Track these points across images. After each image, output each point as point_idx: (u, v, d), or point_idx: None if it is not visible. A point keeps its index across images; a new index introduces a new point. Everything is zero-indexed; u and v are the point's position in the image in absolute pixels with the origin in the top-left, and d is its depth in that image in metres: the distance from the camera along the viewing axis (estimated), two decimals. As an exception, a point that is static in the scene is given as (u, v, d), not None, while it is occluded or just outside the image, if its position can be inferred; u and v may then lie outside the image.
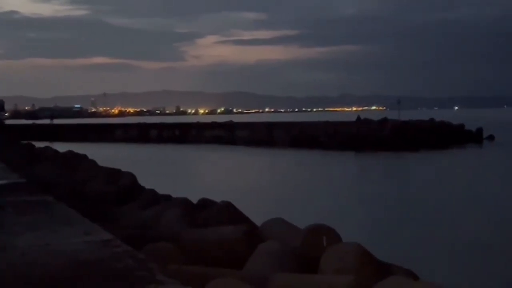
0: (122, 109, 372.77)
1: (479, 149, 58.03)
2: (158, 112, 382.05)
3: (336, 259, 7.61)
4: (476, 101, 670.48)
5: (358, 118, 64.80)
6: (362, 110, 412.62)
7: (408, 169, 39.94)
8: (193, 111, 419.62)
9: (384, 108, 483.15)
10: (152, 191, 15.10)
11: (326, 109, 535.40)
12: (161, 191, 15.24)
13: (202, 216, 11.43)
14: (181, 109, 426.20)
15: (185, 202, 12.56)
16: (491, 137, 67.99)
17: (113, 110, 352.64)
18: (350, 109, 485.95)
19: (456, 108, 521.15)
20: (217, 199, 12.50)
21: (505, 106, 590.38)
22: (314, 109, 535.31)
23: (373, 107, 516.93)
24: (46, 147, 32.48)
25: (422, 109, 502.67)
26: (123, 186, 16.23)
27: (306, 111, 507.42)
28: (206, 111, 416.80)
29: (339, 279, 6.87)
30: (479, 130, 68.05)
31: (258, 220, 11.35)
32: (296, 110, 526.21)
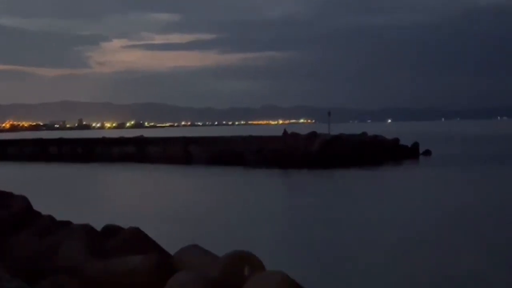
0: (15, 123, 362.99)
1: (415, 165, 59.81)
2: (57, 126, 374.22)
3: (258, 290, 7.67)
4: (411, 114, 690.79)
5: (285, 132, 65.60)
6: (289, 123, 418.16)
7: (338, 188, 40.67)
8: (98, 125, 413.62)
9: (313, 121, 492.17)
10: (49, 217, 14.72)
11: (249, 122, 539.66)
12: (59, 217, 14.89)
13: (108, 244, 11.27)
14: (84, 123, 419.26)
15: (87, 229, 12.33)
16: (427, 152, 70.25)
17: (4, 124, 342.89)
18: (276, 122, 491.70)
19: (389, 121, 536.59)
20: (125, 225, 12.35)
21: (442, 119, 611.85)
22: (236, 122, 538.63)
23: (301, 120, 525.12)
24: None
25: (354, 122, 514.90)
26: (15, 211, 15.77)
27: (227, 124, 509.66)
28: (114, 125, 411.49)
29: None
30: (415, 145, 70.17)
31: (171, 248, 11.29)
32: (216, 123, 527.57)
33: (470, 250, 20.13)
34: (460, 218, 26.55)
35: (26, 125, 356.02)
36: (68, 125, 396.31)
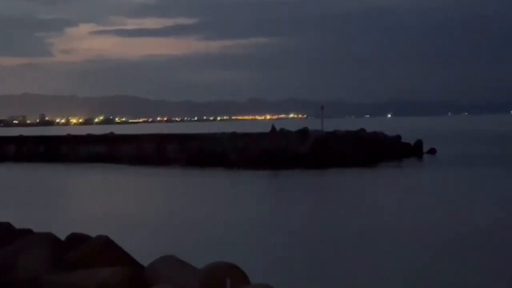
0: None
1: (419, 165, 60.09)
2: (16, 122, 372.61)
3: (242, 306, 7.70)
4: (414, 108, 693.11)
5: (273, 128, 65.66)
6: (277, 119, 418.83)
7: (332, 191, 40.75)
8: (62, 120, 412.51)
9: (305, 116, 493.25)
10: (7, 225, 14.71)
11: (233, 117, 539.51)
12: (19, 225, 14.88)
13: (73, 255, 11.25)
14: (47, 119, 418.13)
15: (50, 238, 12.32)
16: (432, 151, 70.60)
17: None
18: (262, 118, 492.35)
19: (390, 115, 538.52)
20: (93, 233, 12.35)
21: (449, 113, 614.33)
22: (218, 118, 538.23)
23: (291, 115, 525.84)
24: None
25: (350, 117, 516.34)
26: (-32, 219, 15.73)
27: (208, 120, 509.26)
28: (80, 120, 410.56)
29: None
30: (419, 143, 70.50)
31: (144, 260, 11.29)
32: (196, 118, 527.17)
33: (480, 265, 20.27)
34: (469, 226, 26.66)
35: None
36: (28, 121, 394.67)
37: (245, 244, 22.99)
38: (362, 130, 69.86)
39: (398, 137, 69.48)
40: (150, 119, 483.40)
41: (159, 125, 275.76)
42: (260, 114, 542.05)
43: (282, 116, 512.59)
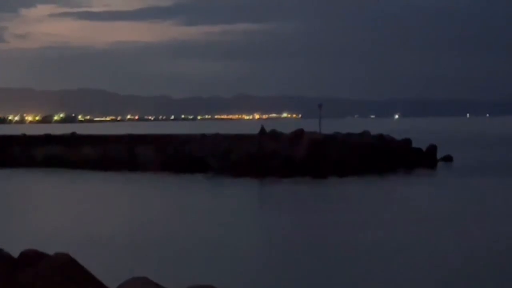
0: None
1: (431, 175, 60.15)
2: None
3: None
4: (426, 107, 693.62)
5: (262, 129, 65.68)
6: (268, 118, 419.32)
7: (330, 204, 40.80)
8: (16, 118, 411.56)
9: (300, 115, 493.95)
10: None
11: (216, 116, 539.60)
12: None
13: (28, 275, 11.25)
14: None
15: (0, 255, 12.30)
16: (448, 158, 70.72)
17: None
18: (250, 117, 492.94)
19: (398, 116, 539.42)
20: (50, 250, 12.34)
21: (467, 114, 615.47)
22: (199, 117, 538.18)
23: (284, 114, 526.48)
24: None
25: (352, 117, 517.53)
26: None
27: (186, 119, 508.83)
28: (37, 118, 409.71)
29: None
30: (432, 148, 70.54)
31: (112, 281, 11.29)
32: (172, 117, 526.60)
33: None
34: (493, 251, 26.69)
35: None
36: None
37: (227, 264, 23.02)
38: (366, 132, 69.95)
39: (408, 141, 69.47)
40: (119, 117, 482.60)
41: (130, 124, 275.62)
42: (247, 113, 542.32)
43: (274, 115, 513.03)
